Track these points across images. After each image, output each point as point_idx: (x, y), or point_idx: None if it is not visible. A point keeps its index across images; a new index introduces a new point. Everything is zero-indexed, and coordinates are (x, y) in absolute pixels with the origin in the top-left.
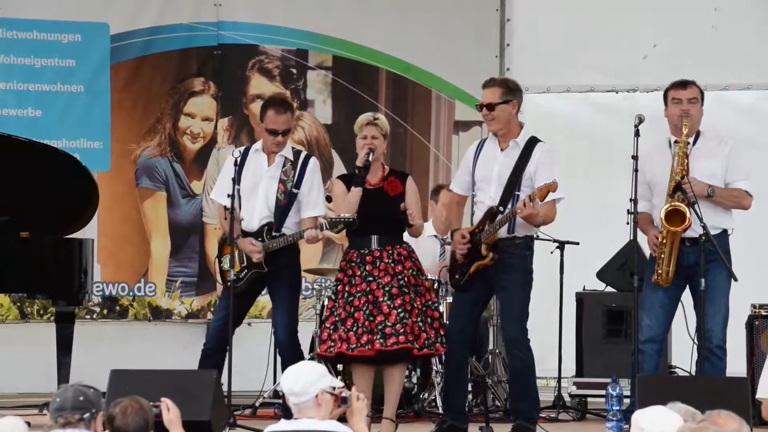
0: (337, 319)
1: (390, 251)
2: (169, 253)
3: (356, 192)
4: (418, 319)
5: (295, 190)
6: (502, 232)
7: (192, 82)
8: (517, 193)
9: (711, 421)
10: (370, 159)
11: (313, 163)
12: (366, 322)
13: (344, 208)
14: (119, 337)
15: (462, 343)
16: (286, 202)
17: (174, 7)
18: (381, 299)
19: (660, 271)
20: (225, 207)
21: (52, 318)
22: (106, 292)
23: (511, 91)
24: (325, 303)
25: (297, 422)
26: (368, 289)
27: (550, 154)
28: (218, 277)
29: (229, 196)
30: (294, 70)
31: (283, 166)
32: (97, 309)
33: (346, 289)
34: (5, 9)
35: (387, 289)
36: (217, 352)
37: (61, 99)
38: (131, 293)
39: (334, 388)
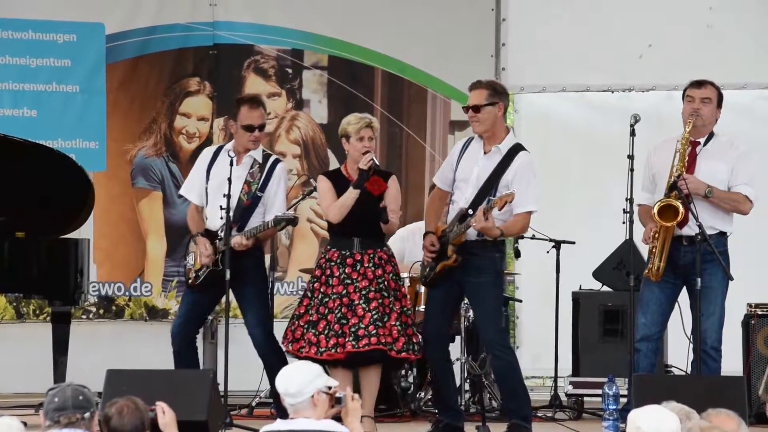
0: (310, 319)
1: (371, 255)
2: (165, 253)
3: (353, 194)
4: (397, 322)
5: (259, 193)
6: (472, 234)
7: (188, 82)
8: (491, 198)
9: (709, 420)
10: (377, 161)
11: (281, 168)
12: (336, 326)
13: (337, 208)
14: (115, 337)
15: (440, 341)
16: (249, 203)
17: (169, 7)
18: (356, 302)
19: (651, 266)
20: (197, 206)
21: (48, 318)
22: (102, 292)
23: (497, 94)
24: None
25: (293, 422)
26: (345, 291)
27: (529, 166)
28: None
29: (224, 195)
30: (290, 70)
31: (251, 167)
32: (93, 309)
33: (322, 289)
34: (0, 9)
35: (364, 293)
36: (187, 350)
37: (56, 99)
38: (127, 293)
39: (329, 388)
